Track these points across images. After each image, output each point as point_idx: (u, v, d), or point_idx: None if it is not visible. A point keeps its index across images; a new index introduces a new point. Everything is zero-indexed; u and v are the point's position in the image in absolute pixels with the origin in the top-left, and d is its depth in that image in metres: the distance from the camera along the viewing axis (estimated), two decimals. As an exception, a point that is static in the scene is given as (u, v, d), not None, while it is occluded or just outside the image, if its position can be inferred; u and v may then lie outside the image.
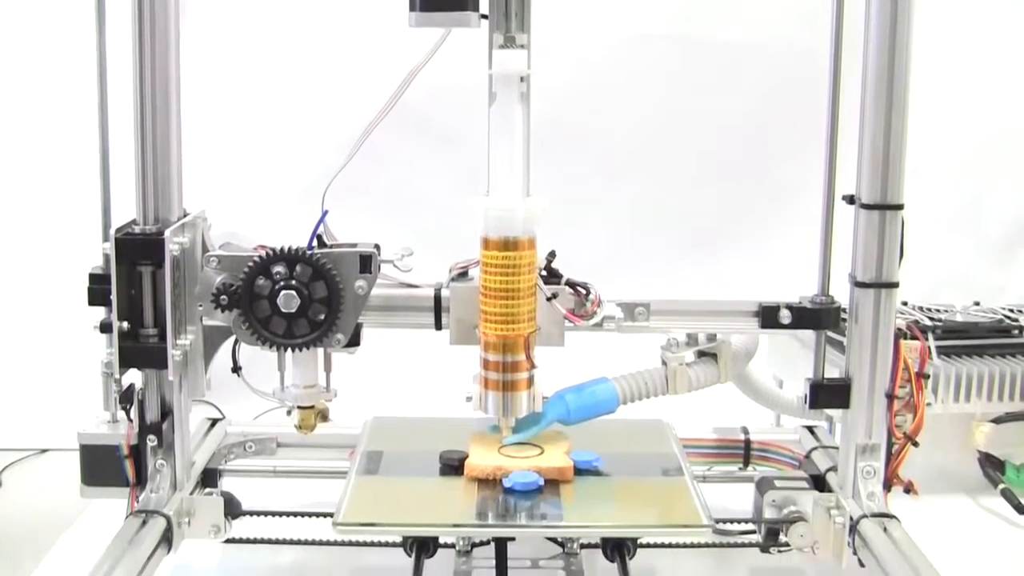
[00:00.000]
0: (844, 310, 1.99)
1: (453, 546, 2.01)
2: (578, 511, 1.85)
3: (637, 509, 1.89)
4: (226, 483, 2.16)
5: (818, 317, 1.98)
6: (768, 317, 1.98)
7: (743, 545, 2.12)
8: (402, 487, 1.93)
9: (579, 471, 1.94)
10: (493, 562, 1.91)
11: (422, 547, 1.94)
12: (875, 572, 1.85)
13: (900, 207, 1.92)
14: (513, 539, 1.98)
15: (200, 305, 1.90)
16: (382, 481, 1.95)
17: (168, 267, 1.86)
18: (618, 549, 1.95)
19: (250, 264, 1.86)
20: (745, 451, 2.25)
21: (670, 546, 2.10)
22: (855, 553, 1.92)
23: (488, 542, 2.02)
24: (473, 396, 1.89)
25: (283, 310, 1.86)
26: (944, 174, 3.15)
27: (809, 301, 1.99)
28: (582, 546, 2.01)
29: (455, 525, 1.85)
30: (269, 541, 2.11)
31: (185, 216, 1.92)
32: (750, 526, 2.07)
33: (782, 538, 1.99)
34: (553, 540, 2.04)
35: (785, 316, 1.97)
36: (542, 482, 1.89)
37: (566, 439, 2.00)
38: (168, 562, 1.93)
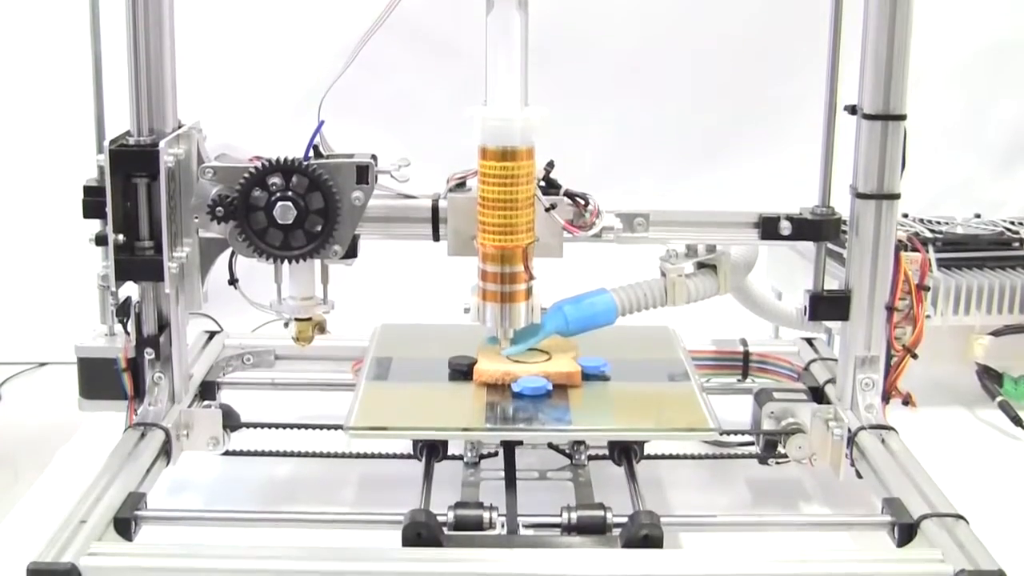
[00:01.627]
0: (844, 222, 1.99)
1: (461, 457, 2.02)
2: (586, 416, 1.87)
3: (644, 414, 1.90)
4: (224, 396, 2.16)
5: (818, 228, 1.97)
6: (768, 228, 1.97)
7: (741, 456, 2.13)
8: (412, 393, 1.94)
9: (587, 376, 1.95)
10: (502, 473, 1.92)
11: (432, 451, 1.96)
12: (873, 483, 1.86)
13: (903, 117, 1.91)
14: (521, 443, 1.99)
15: (196, 217, 1.89)
16: (392, 387, 1.96)
17: (163, 178, 1.84)
18: (625, 453, 1.96)
19: (246, 175, 1.85)
20: (744, 363, 2.26)
21: (669, 457, 2.11)
22: (853, 464, 1.93)
23: (495, 453, 2.03)
24: (471, 307, 1.88)
25: (279, 221, 1.85)
26: (946, 85, 3.12)
27: (809, 212, 1.98)
28: (590, 457, 2.02)
29: (465, 429, 1.87)
30: (268, 453, 2.11)
31: (180, 127, 1.91)
32: (748, 437, 2.08)
33: (780, 450, 1.99)
34: (560, 451, 2.05)
35: (785, 227, 1.96)
36: (550, 387, 1.91)
37: (574, 345, 2.00)
38: (167, 474, 1.93)
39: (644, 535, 1.67)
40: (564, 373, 1.93)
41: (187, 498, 2.05)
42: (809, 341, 2.29)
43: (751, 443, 2.09)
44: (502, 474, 1.92)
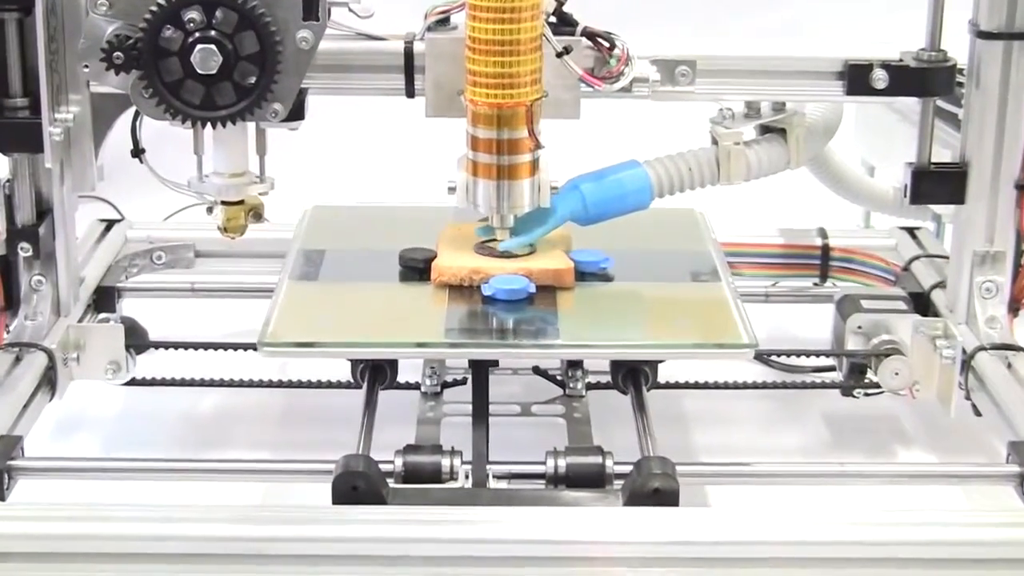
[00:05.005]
0: (961, 71, 1.96)
1: (418, 386, 2.03)
2: (579, 327, 1.86)
3: (656, 324, 1.89)
4: (127, 306, 2.16)
5: (924, 79, 1.94)
6: (857, 79, 1.94)
7: (818, 386, 2.14)
8: (350, 296, 1.93)
9: (582, 275, 1.94)
10: (469, 407, 1.90)
11: (376, 373, 1.96)
12: (995, 421, 1.86)
13: (1041, -74, 1.89)
14: (496, 364, 2.00)
15: (86, 65, 1.85)
16: (323, 289, 1.96)
17: (40, 11, 1.83)
18: (632, 377, 1.96)
19: (153, 8, 1.80)
20: (823, 261, 2.25)
21: (721, 386, 2.10)
22: (968, 397, 1.93)
23: (463, 380, 2.03)
24: (457, 185, 1.87)
25: (200, 71, 1.81)
26: None
27: (913, 58, 1.95)
28: (589, 386, 2.02)
29: (419, 345, 1.86)
30: (185, 383, 2.10)
31: (61, -58, 1.88)
32: (828, 360, 2.09)
33: (870, 377, 1.99)
34: (549, 378, 2.06)
35: (880, 78, 1.93)
36: (533, 289, 1.89)
37: (565, 235, 1.99)
38: (52, 410, 1.93)
39: (654, 488, 1.66)
40: (551, 271, 1.92)
41: (78, 442, 2.06)
42: (911, 232, 2.29)
43: (831, 368, 2.10)
44: (470, 408, 1.90)
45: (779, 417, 2.16)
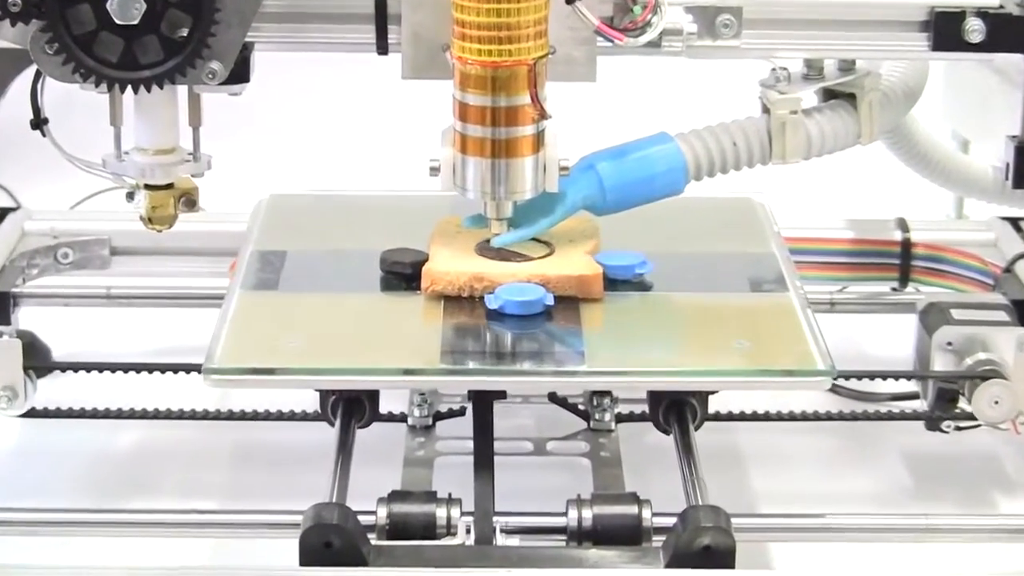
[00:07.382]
0: None
1: (404, 418, 2.05)
2: (610, 349, 1.86)
3: (707, 345, 1.88)
4: (26, 316, 2.18)
5: (1031, 31, 1.96)
6: (945, 31, 1.94)
7: (897, 417, 2.14)
8: (318, 310, 1.94)
9: (613, 283, 1.95)
10: (470, 444, 1.92)
11: (352, 409, 1.98)
12: None
13: None
14: (503, 395, 2.01)
15: (-27, 13, 1.88)
16: (284, 301, 1.96)
17: None
18: (676, 412, 1.97)
19: (58, -58, 1.83)
20: (903, 260, 2.27)
21: (774, 417, 2.11)
22: None
23: (461, 410, 2.05)
24: (441, 164, 1.87)
25: (118, 21, 1.81)
26: None
27: (1017, 3, 1.94)
28: (619, 418, 2.04)
29: (407, 372, 1.85)
30: (99, 414, 2.10)
31: None
32: (910, 385, 2.11)
33: (962, 405, 2.00)
34: (569, 407, 2.07)
35: (975, 29, 1.93)
36: (551, 300, 1.90)
37: (594, 230, 2.00)
38: None
39: (704, 545, 1.67)
40: (574, 278, 1.93)
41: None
42: (1015, 223, 2.30)
43: (914, 395, 2.11)
44: (471, 446, 1.92)
45: (848, 456, 2.18)
